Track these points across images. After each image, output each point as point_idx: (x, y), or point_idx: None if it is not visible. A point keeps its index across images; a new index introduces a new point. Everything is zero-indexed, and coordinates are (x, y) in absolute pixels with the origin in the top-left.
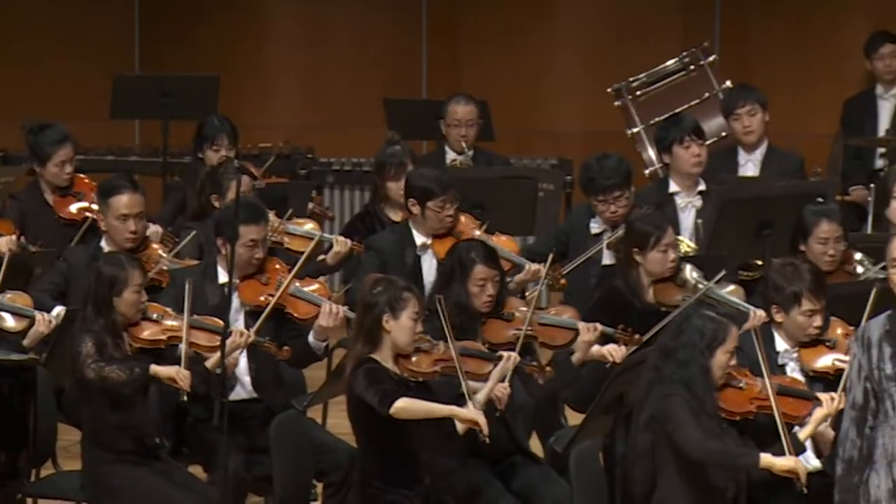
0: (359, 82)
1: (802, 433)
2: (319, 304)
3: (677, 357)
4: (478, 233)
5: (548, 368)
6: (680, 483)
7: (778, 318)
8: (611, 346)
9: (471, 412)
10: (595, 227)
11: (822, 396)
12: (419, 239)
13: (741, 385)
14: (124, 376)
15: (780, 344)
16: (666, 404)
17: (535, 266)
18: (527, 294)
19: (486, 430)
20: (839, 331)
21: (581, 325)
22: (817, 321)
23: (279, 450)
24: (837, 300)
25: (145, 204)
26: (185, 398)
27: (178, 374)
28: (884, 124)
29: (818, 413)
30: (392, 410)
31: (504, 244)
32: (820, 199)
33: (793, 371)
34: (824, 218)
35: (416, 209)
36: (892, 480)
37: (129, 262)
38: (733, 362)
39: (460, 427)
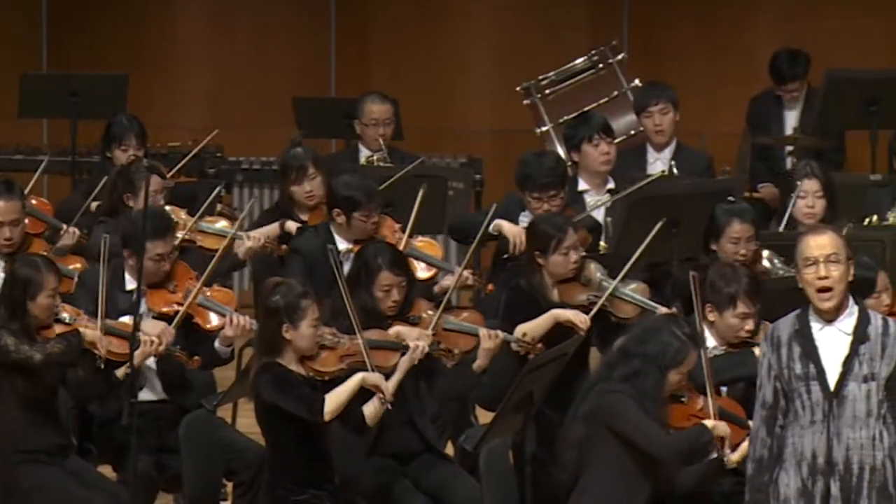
0: (267, 81)
1: (733, 458)
2: (226, 315)
3: (633, 364)
4: (399, 237)
5: (456, 351)
6: (606, 479)
7: (711, 317)
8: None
9: (374, 375)
10: (524, 220)
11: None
12: (342, 244)
13: (683, 399)
14: (63, 346)
15: (710, 341)
16: (613, 400)
17: (465, 273)
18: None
19: (388, 394)
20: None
21: (482, 332)
22: (749, 324)
23: (189, 449)
24: None
25: (46, 205)
26: (103, 365)
27: (100, 339)
28: (790, 122)
29: (746, 444)
30: (327, 416)
31: (427, 249)
32: (731, 199)
33: None
34: (736, 217)
35: (340, 219)
36: (802, 479)
37: (45, 266)
38: (683, 383)
39: (370, 416)
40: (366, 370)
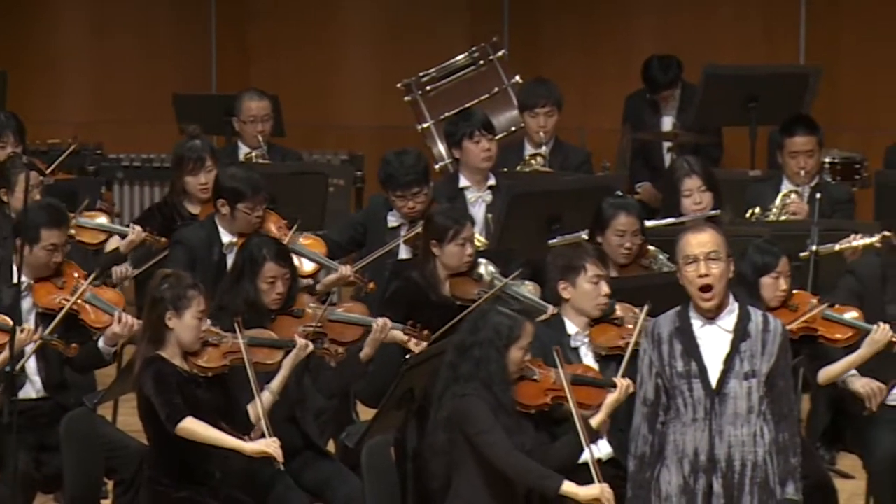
0: (148, 78)
1: (595, 420)
2: (113, 313)
3: (473, 354)
4: (283, 233)
5: (340, 350)
6: (476, 481)
7: (566, 294)
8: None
9: (259, 444)
10: (392, 220)
11: (619, 381)
12: (226, 237)
13: (536, 377)
14: None
15: (571, 327)
16: (464, 405)
17: (346, 271)
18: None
19: (279, 458)
20: (619, 309)
21: (376, 322)
22: (605, 288)
23: (69, 447)
24: (632, 291)
25: None
26: None
27: None
28: (667, 121)
29: (610, 399)
30: (177, 429)
31: (312, 246)
32: (619, 193)
33: (585, 355)
34: (622, 211)
35: (225, 209)
36: (684, 477)
37: None
38: (528, 358)
39: (253, 415)
40: (247, 368)
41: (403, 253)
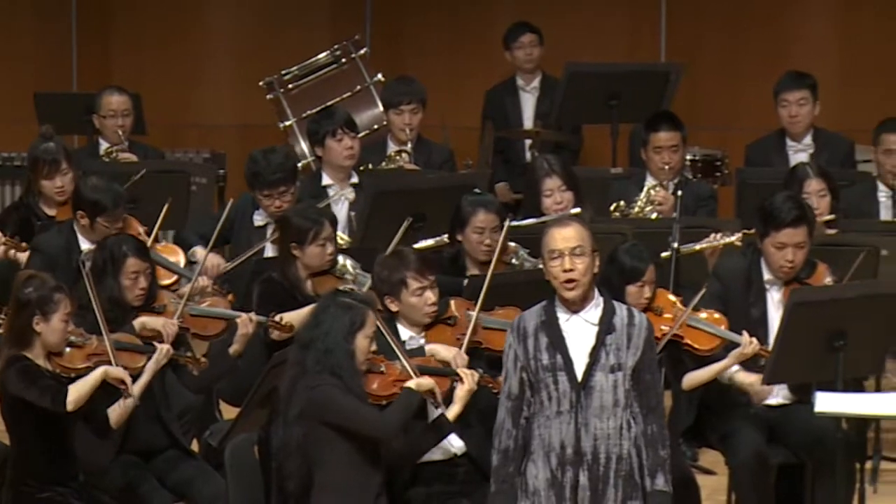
0: (8, 76)
1: (451, 412)
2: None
3: (319, 346)
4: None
5: (202, 359)
6: (340, 471)
7: (393, 307)
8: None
9: (117, 369)
10: (259, 219)
11: (463, 372)
12: (85, 244)
13: (382, 369)
14: None
15: (405, 332)
16: (320, 395)
17: (204, 281)
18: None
19: (132, 388)
20: (452, 305)
21: (241, 317)
22: (429, 297)
23: None
24: (499, 289)
25: None
26: None
27: None
28: (527, 112)
29: (461, 392)
30: (69, 406)
31: (168, 253)
32: (477, 190)
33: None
34: (481, 208)
35: (84, 221)
36: (551, 470)
37: None
38: (373, 347)
39: (115, 419)
40: None
41: (270, 251)
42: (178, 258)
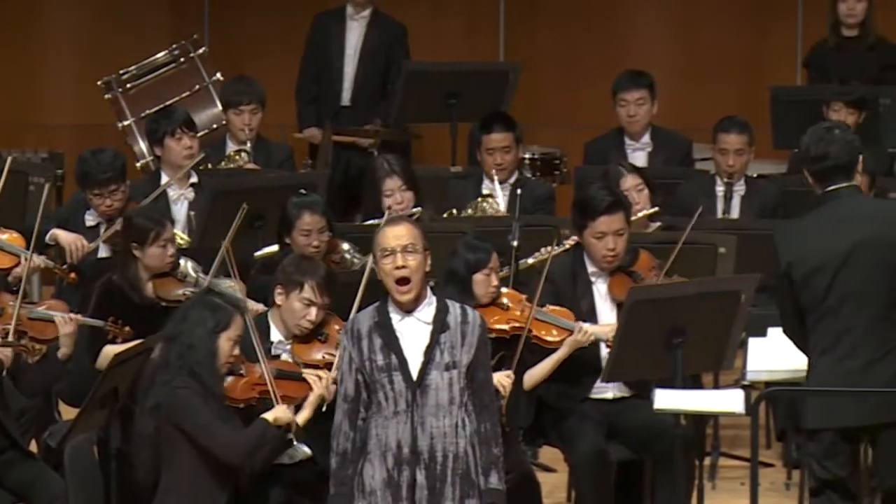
0: None
1: (300, 416)
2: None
3: (182, 342)
4: None
5: (38, 347)
6: (187, 475)
7: (279, 300)
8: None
9: None
10: (90, 219)
11: (311, 378)
12: None
13: (241, 371)
14: None
15: (276, 334)
16: (177, 398)
17: (37, 259)
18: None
19: None
20: (335, 326)
21: (58, 318)
22: (313, 315)
23: None
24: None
25: None
26: None
27: None
28: (351, 43)
29: (312, 397)
30: None
31: (14, 241)
32: (302, 191)
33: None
34: (306, 210)
35: None
36: (387, 470)
37: None
38: (237, 351)
39: None
40: None
41: (103, 251)
42: (22, 244)
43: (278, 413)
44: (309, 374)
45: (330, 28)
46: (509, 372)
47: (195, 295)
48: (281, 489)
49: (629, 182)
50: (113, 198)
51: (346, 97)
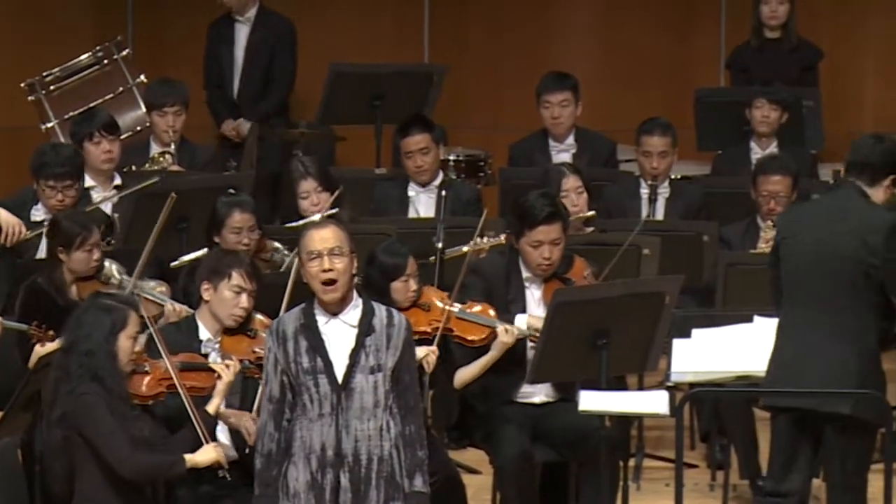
0: None
1: (211, 406)
2: None
3: (81, 349)
4: None
5: None
6: (99, 481)
7: (207, 295)
8: None
9: None
10: (37, 214)
11: (218, 367)
12: None
13: (147, 368)
14: None
15: (204, 333)
16: (81, 406)
17: None
18: None
19: None
20: (265, 320)
21: None
22: (244, 301)
23: None
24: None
25: None
26: None
27: None
28: (240, 44)
29: (221, 385)
30: None
31: None
32: (232, 190)
33: (214, 360)
34: (236, 208)
35: None
36: (311, 472)
37: None
38: (138, 348)
39: None
40: None
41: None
42: None
43: (200, 457)
44: (216, 364)
45: (221, 31)
46: (434, 347)
47: (84, 301)
48: (207, 486)
49: (571, 183)
50: (66, 193)
51: (234, 94)
